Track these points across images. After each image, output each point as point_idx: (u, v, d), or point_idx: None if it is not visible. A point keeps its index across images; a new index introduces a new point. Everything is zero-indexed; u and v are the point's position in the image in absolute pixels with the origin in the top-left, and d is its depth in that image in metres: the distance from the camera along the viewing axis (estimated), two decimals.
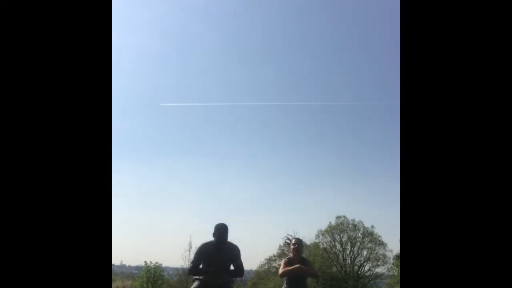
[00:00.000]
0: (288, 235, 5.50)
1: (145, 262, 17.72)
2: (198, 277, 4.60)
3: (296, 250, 5.17)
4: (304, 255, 5.46)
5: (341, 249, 35.50)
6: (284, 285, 5.10)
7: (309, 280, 5.37)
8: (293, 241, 5.28)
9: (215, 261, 4.45)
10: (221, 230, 4.56)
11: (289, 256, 5.25)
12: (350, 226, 35.93)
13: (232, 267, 4.54)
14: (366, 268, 35.85)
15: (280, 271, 5.08)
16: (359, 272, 35.46)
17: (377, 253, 35.22)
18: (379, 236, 35.31)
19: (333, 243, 35.50)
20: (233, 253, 4.60)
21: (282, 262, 5.15)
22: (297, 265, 5.02)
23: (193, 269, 4.54)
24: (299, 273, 5.00)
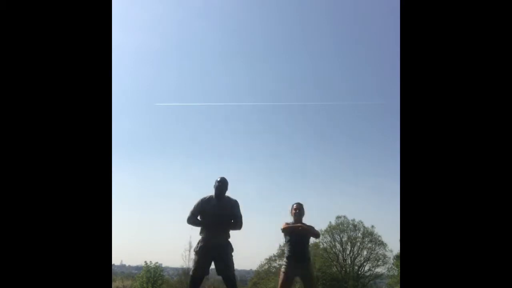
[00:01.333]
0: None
1: (145, 262, 17.71)
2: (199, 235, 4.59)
3: (298, 214, 5.14)
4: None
5: (341, 249, 35.49)
6: (286, 247, 5.07)
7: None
8: (295, 206, 5.26)
9: (214, 212, 4.56)
10: (220, 183, 4.73)
11: (291, 222, 5.18)
12: (350, 226, 35.91)
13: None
14: (366, 268, 35.84)
15: (283, 226, 5.06)
16: (359, 272, 35.44)
17: (377, 253, 35.21)
18: (379, 236, 35.30)
19: (333, 243, 35.49)
20: (232, 205, 4.70)
21: (283, 223, 5.15)
22: (299, 224, 5.01)
23: (191, 218, 4.67)
24: (302, 232, 4.98)
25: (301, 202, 5.37)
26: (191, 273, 4.60)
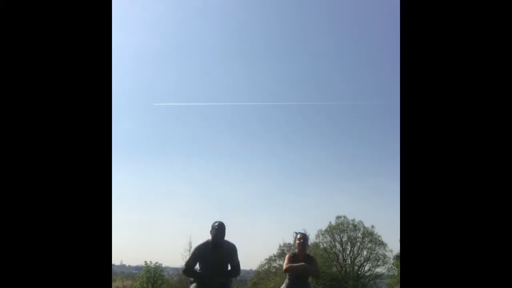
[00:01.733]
0: (295, 232, 5.36)
1: (145, 262, 17.72)
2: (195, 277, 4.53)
3: (302, 245, 5.03)
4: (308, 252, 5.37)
5: (341, 249, 35.50)
6: (286, 280, 5.04)
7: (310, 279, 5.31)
8: (299, 235, 5.14)
9: (212, 263, 4.38)
10: (218, 230, 4.45)
11: (294, 252, 5.12)
12: (350, 226, 35.93)
13: (229, 267, 4.45)
14: (366, 268, 35.85)
15: (285, 266, 5.00)
16: (359, 272, 35.46)
17: (377, 253, 35.22)
18: (379, 236, 35.31)
19: (333, 243, 35.50)
20: (230, 253, 4.50)
21: (286, 257, 5.08)
22: (302, 263, 4.93)
23: (187, 271, 4.48)
24: (303, 272, 4.91)
25: (304, 233, 5.26)
26: None
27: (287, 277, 5.04)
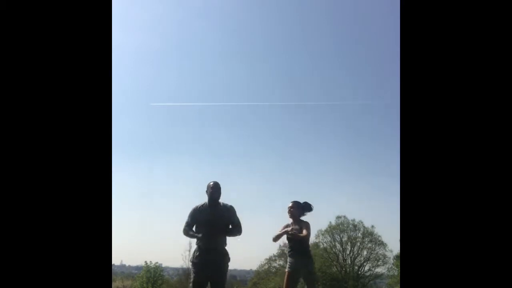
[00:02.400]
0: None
1: (145, 262, 17.72)
2: (196, 244, 4.40)
3: (291, 213, 5.06)
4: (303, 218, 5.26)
5: (341, 249, 35.49)
6: (287, 258, 5.05)
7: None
8: (290, 204, 5.15)
9: (208, 222, 4.29)
10: (214, 189, 4.39)
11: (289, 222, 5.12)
12: (350, 226, 35.92)
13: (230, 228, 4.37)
14: (366, 268, 35.85)
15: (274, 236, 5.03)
16: (359, 272, 35.45)
17: (377, 253, 35.22)
18: (379, 236, 35.31)
19: (333, 243, 35.49)
20: (228, 213, 4.41)
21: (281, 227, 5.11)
22: (284, 230, 4.94)
23: (186, 230, 4.42)
24: (290, 237, 4.90)
25: (297, 200, 5.22)
26: (190, 285, 4.39)
27: (287, 255, 5.04)
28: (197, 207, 4.52)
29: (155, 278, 17.00)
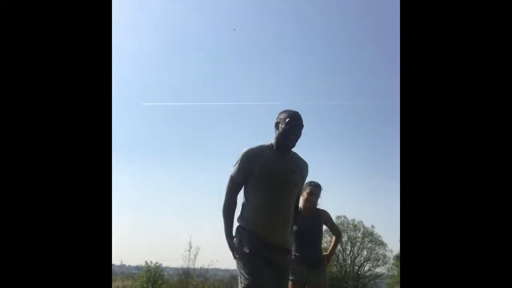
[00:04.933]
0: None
1: (146, 262, 17.72)
2: (240, 226, 2.53)
3: (312, 203, 3.88)
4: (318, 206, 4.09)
5: (341, 249, 35.50)
6: (294, 247, 3.85)
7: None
8: (308, 189, 3.88)
9: (278, 176, 2.46)
10: (295, 119, 2.50)
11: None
12: (350, 226, 35.94)
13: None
14: (366, 268, 35.88)
15: None
16: (359, 272, 35.46)
17: (377, 253, 35.26)
18: (379, 236, 35.35)
19: None
20: (305, 173, 2.68)
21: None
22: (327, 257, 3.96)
23: (230, 196, 2.52)
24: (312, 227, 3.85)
25: (318, 183, 3.87)
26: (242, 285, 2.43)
27: (294, 242, 3.78)
28: (252, 150, 2.56)
29: (155, 278, 16.99)
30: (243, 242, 2.51)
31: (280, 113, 2.65)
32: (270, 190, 2.48)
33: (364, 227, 35.15)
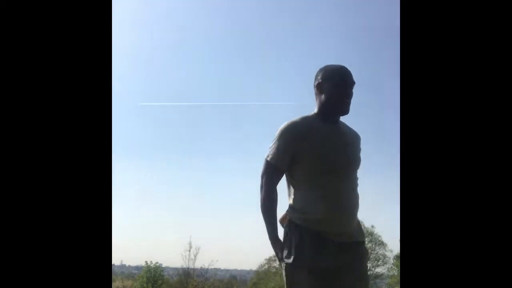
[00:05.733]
0: None
1: (146, 262, 17.74)
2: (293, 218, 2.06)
3: None
4: None
5: None
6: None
7: None
8: None
9: (338, 154, 2.04)
10: (346, 75, 2.07)
11: None
12: None
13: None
14: None
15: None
16: None
17: (377, 253, 35.21)
18: (379, 236, 35.29)
19: None
20: (358, 144, 2.22)
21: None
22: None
23: (269, 186, 2.05)
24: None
25: None
26: None
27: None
28: (296, 122, 2.10)
29: (155, 278, 17.00)
30: (302, 244, 1.96)
31: (320, 70, 2.12)
32: (328, 172, 1.98)
33: (364, 227, 35.12)
